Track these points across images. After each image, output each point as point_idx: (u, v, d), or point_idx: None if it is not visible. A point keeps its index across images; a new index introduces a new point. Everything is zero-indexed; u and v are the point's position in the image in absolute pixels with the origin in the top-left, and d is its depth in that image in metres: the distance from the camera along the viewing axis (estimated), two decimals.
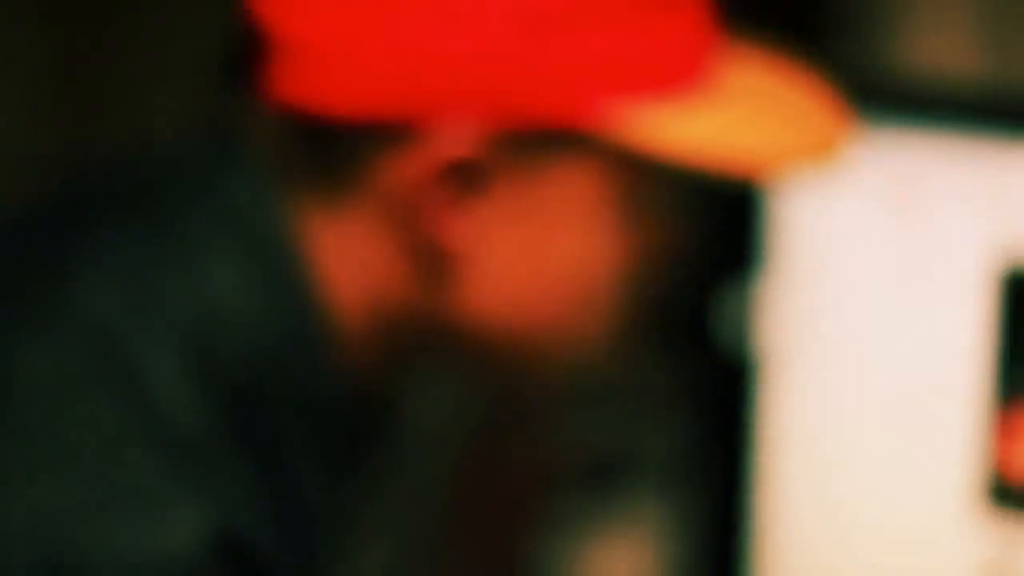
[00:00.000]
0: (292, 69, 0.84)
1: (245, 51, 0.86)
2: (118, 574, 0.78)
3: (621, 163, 0.85)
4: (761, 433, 1.05)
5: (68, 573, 0.78)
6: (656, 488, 1.36)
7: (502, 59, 0.82)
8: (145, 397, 0.82)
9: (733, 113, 0.86)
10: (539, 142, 0.84)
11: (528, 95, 0.82)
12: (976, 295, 0.96)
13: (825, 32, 1.77)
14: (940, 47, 1.65)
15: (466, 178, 0.83)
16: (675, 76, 0.85)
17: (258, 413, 0.84)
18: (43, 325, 0.83)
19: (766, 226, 1.03)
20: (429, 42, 0.81)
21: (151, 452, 0.80)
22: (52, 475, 0.80)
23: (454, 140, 0.82)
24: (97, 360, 0.82)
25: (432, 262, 0.85)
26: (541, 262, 0.86)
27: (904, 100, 0.99)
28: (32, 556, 0.79)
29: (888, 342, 1.00)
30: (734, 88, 0.88)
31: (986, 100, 0.97)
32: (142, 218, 0.86)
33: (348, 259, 0.86)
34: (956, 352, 0.97)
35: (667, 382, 1.30)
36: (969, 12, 1.65)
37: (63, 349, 0.83)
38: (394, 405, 1.00)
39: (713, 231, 1.04)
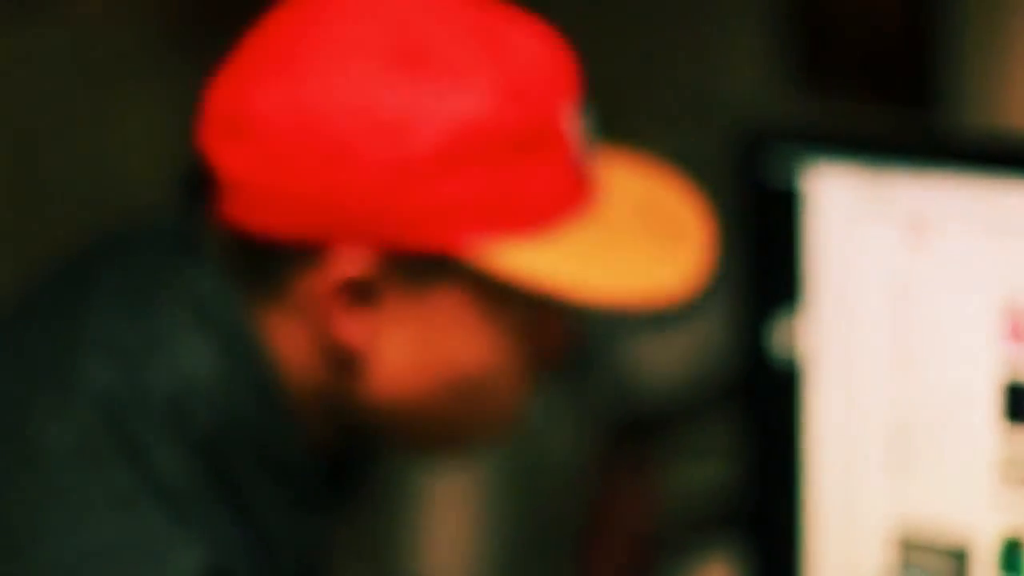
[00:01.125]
0: (226, 196, 1.00)
1: (200, 174, 1.02)
2: None
3: (492, 287, 0.99)
4: (807, 434, 1.15)
5: None
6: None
7: (378, 200, 0.96)
8: (145, 462, 0.97)
9: (590, 247, 1.00)
10: (420, 265, 0.99)
11: (402, 228, 0.97)
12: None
13: (931, 98, 1.88)
14: None
15: (359, 291, 0.99)
16: (537, 214, 0.99)
17: (229, 470, 1.00)
18: (63, 403, 0.99)
19: (808, 262, 1.12)
20: (322, 185, 0.97)
21: (155, 505, 0.96)
22: (81, 526, 0.95)
23: (348, 261, 0.98)
24: (107, 433, 0.98)
25: (337, 355, 1.01)
26: (427, 360, 1.01)
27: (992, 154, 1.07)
28: None
29: (910, 355, 1.10)
30: (598, 220, 1.02)
31: None
32: (129, 303, 1.02)
33: (285, 346, 1.01)
34: (970, 364, 1.07)
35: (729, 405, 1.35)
36: None
37: (81, 425, 0.99)
38: (347, 461, 1.15)
39: (763, 268, 1.15)
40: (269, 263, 1.00)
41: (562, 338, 1.07)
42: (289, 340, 1.02)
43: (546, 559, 2.32)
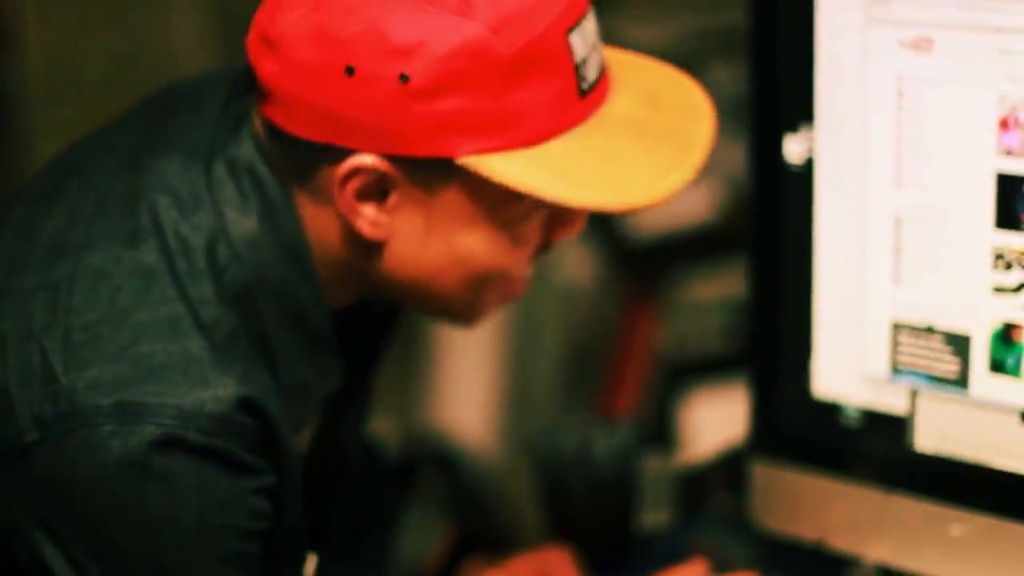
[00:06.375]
0: (264, 97, 1.13)
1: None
2: (174, 414, 1.07)
3: (493, 189, 1.10)
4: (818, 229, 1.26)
5: (140, 408, 1.07)
6: None
7: (384, 113, 1.08)
8: (191, 297, 1.11)
9: (580, 159, 1.10)
10: (425, 169, 1.10)
11: (406, 138, 1.09)
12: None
13: None
14: None
15: (373, 188, 1.11)
16: (533, 128, 1.09)
17: (258, 320, 1.13)
18: (131, 232, 1.13)
19: (819, 72, 1.22)
20: (335, 98, 1.08)
21: (197, 335, 1.10)
22: (133, 345, 1.09)
23: (362, 163, 1.10)
24: (163, 264, 1.11)
25: (356, 237, 1.14)
26: (433, 249, 1.14)
27: None
28: (116, 397, 1.07)
29: (912, 152, 1.19)
30: (597, 129, 1.11)
31: None
32: (190, 159, 1.15)
33: (312, 223, 1.15)
34: (966, 158, 1.16)
35: None
36: None
37: (143, 252, 1.11)
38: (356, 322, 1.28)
39: (777, 82, 1.25)
40: (299, 152, 1.13)
41: (572, 229, 1.19)
42: (316, 218, 1.15)
43: (565, 394, 2.36)
